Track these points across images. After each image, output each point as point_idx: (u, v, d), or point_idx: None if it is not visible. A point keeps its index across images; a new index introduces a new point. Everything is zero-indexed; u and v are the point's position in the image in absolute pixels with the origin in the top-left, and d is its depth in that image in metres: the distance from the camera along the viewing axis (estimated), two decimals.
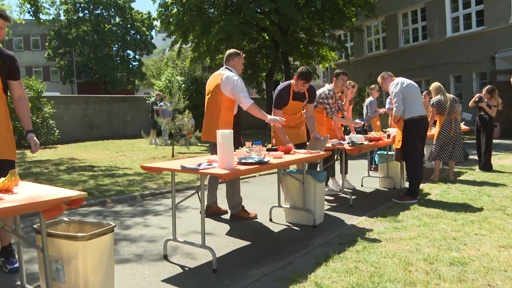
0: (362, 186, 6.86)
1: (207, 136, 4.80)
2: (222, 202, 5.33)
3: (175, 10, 18.98)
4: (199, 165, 3.36)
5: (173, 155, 11.27)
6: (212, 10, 18.97)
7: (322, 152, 4.43)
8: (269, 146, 4.58)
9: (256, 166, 3.39)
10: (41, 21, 12.70)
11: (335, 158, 6.15)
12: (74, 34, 39.45)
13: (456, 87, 18.80)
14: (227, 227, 4.64)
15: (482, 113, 7.85)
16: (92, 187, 6.96)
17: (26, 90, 14.86)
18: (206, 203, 5.21)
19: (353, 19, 19.52)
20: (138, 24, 41.87)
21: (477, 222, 4.29)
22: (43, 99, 15.57)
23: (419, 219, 4.53)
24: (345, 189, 6.15)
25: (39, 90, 15.16)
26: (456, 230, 4.04)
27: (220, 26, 16.79)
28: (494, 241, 3.65)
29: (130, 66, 42.48)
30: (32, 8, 12.41)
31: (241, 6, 17.11)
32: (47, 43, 40.42)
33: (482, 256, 3.31)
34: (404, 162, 5.75)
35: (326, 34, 21.16)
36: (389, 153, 6.69)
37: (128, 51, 42.52)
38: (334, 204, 5.60)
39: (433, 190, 6.29)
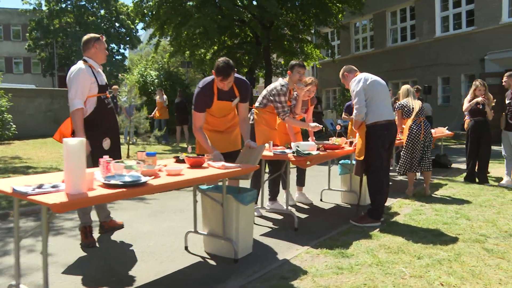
0: (321, 200, 5.82)
1: None
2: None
3: (152, 2, 17.92)
4: (39, 186, 2.30)
5: (128, 156, 10.18)
6: (191, 2, 17.91)
7: (243, 167, 3.36)
8: (183, 155, 3.53)
9: (121, 190, 2.33)
10: None
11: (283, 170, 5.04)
12: (57, 25, 38.07)
13: (444, 89, 17.88)
14: (120, 257, 3.58)
15: (480, 117, 6.80)
16: (3, 195, 5.87)
17: None
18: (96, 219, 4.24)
19: (340, 16, 18.52)
20: (123, 17, 40.58)
21: (447, 262, 3.27)
22: None
23: (374, 254, 3.50)
24: (289, 207, 5.13)
25: None
26: (418, 276, 3.01)
27: (195, 19, 15.71)
28: None
29: (114, 60, 41.12)
30: None
31: None
32: (27, 34, 38.94)
33: None
34: (366, 176, 4.71)
35: (311, 31, 20.18)
36: (353, 162, 5.66)
37: (112, 45, 41.15)
38: (276, 227, 4.55)
39: (404, 208, 5.27)
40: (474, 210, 5.03)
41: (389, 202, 5.53)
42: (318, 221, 4.79)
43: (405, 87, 6.39)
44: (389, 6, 20.15)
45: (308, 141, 5.46)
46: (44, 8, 38.53)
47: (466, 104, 6.91)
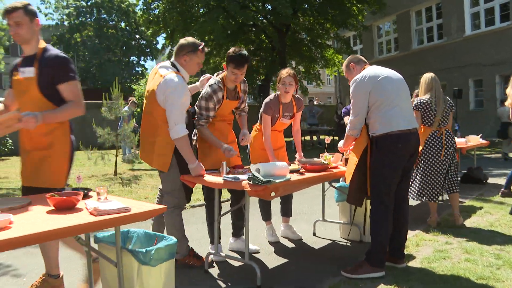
0: (314, 234, 4.48)
1: (147, 159, 3.39)
2: None
3: (160, 9, 17.16)
4: None
5: (115, 173, 9.13)
6: (197, 6, 17.02)
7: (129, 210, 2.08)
8: (68, 187, 2.33)
9: None
10: None
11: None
12: (78, 39, 38.06)
13: (477, 92, 16.20)
14: None
15: None
16: None
17: None
18: None
19: (360, 17, 17.17)
20: (143, 29, 40.24)
21: None
22: None
23: None
24: (253, 249, 3.82)
25: None
26: None
27: (200, 23, 14.75)
28: None
29: (134, 71, 40.90)
30: None
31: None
32: None
33: None
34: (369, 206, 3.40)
35: (331, 35, 18.90)
36: None
37: (133, 57, 40.94)
38: (231, 282, 3.24)
39: (422, 247, 3.90)
40: None
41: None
42: (301, 269, 3.47)
43: (428, 76, 4.57)
44: (414, 5, 18.68)
45: (295, 157, 4.19)
46: (65, 23, 38.67)
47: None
